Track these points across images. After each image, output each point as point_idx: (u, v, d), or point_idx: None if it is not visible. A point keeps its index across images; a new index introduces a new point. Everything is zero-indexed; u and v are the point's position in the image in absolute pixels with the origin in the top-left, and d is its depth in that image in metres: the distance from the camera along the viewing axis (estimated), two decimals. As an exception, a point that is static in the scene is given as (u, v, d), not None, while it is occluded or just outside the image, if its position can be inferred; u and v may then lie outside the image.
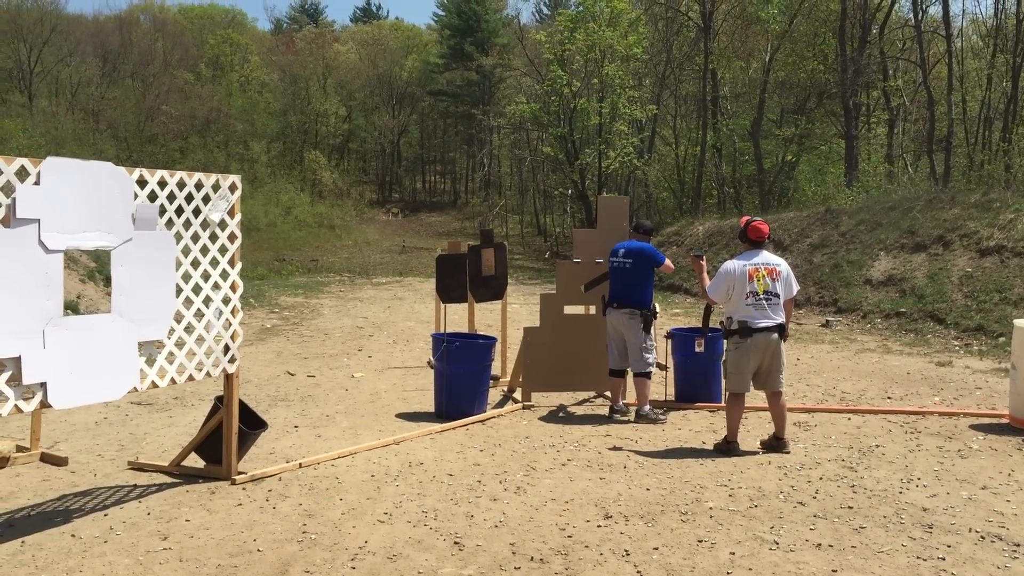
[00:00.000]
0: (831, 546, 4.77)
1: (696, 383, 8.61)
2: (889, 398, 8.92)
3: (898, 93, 29.33)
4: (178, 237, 5.46)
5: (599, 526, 5.07)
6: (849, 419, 7.90)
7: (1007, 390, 8.10)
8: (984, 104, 27.39)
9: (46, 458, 6.46)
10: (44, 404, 4.69)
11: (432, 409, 8.21)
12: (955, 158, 25.20)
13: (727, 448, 6.74)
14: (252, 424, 6.28)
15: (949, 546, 4.77)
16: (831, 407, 8.37)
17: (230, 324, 5.83)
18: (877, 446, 6.91)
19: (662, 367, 8.62)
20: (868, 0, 27.71)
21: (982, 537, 4.91)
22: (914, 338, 12.98)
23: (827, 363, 11.09)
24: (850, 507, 5.42)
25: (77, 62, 49.14)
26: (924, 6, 28.76)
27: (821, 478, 6.05)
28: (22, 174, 4.59)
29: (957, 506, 5.44)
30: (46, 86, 46.92)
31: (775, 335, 6.69)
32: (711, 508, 5.40)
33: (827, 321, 14.80)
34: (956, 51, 28.09)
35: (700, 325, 8.00)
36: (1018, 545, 4.78)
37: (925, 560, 4.59)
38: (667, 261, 8.14)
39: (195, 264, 5.60)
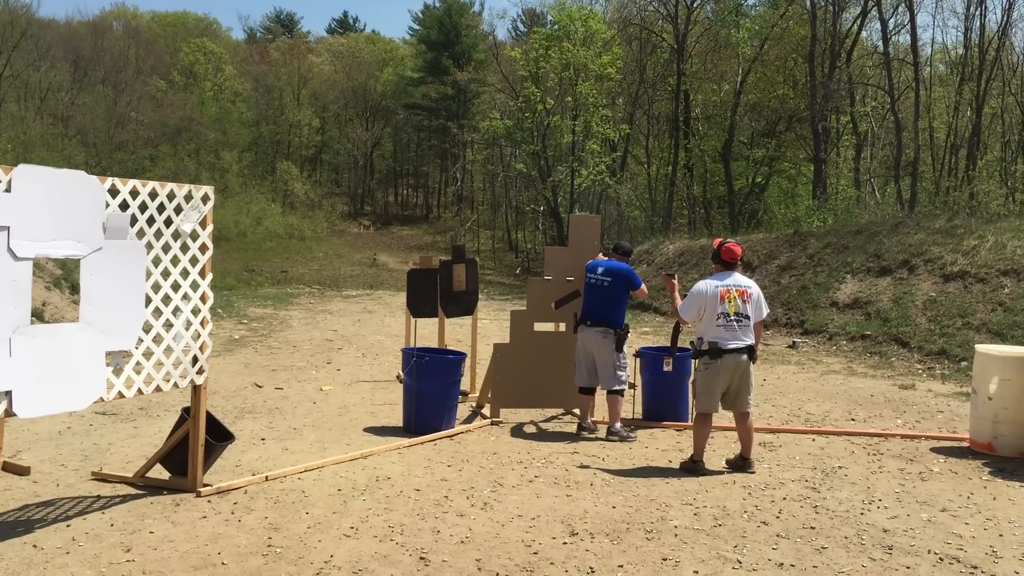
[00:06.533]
0: (793, 566, 4.83)
1: (664, 402, 8.67)
2: (853, 420, 9.04)
3: (866, 118, 29.81)
4: (149, 247, 5.43)
5: (565, 543, 5.10)
6: (813, 440, 8.00)
7: (968, 414, 8.23)
8: (950, 131, 27.90)
9: (8, 467, 6.35)
10: (8, 413, 4.64)
11: (400, 423, 8.19)
12: (921, 184, 25.60)
13: (693, 467, 6.79)
14: (219, 436, 6.24)
15: (908, 567, 4.84)
16: (796, 428, 8.47)
17: (199, 335, 5.80)
18: (840, 467, 6.99)
19: (631, 386, 8.67)
20: (838, 27, 28.19)
21: (941, 559, 4.99)
22: (878, 361, 13.16)
23: (793, 384, 11.21)
24: (812, 527, 5.49)
25: (47, 67, 48.63)
26: (892, 34, 29.34)
27: (784, 498, 6.12)
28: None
29: (917, 528, 5.52)
30: (15, 90, 46.35)
31: (744, 356, 6.77)
32: (676, 527, 5.44)
33: (793, 342, 14.96)
34: (923, 79, 28.61)
35: (669, 344, 8.06)
36: (975, 567, 4.87)
37: (885, 581, 4.66)
38: (643, 285, 8.21)
39: (165, 274, 5.57)
